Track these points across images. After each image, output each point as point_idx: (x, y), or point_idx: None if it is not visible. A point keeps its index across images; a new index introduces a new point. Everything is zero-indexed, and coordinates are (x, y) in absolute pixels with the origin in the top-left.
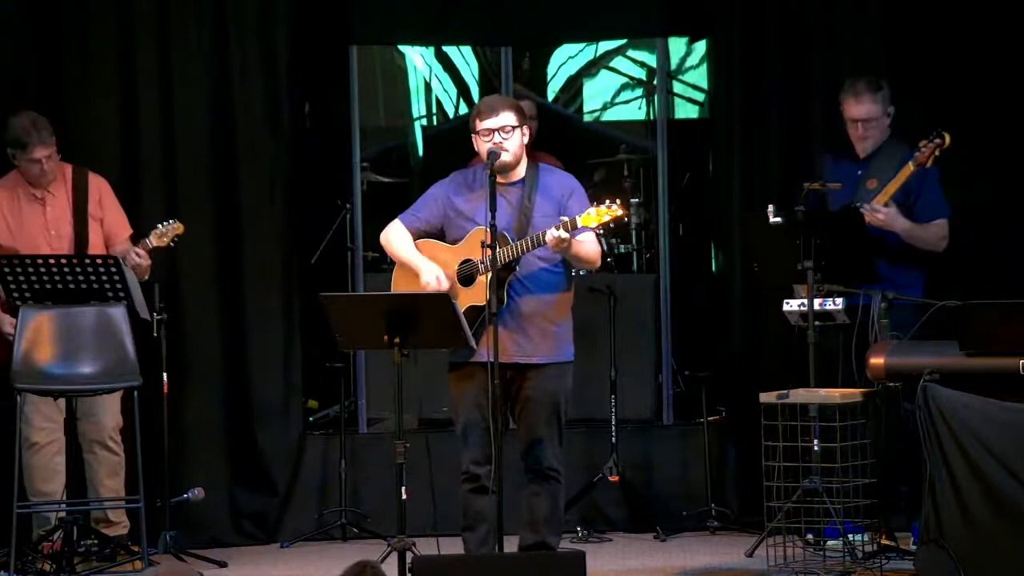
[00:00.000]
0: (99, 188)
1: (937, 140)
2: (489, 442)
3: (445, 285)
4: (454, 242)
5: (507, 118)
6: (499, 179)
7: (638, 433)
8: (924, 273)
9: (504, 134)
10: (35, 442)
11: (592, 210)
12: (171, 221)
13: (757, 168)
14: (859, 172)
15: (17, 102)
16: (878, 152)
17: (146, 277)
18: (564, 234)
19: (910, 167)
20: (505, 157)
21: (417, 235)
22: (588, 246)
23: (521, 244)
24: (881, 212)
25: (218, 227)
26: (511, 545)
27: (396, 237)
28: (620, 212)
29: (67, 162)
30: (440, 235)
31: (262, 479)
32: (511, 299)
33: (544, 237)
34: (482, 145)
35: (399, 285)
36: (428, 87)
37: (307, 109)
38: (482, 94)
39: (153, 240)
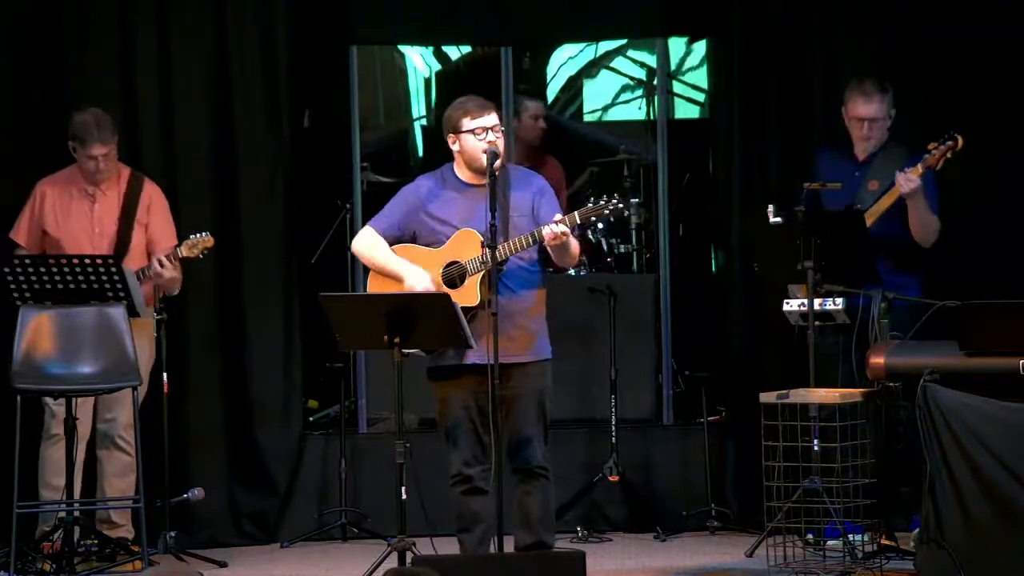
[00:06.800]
0: (151, 195)
1: (950, 143)
2: (478, 442)
3: (432, 289)
4: (429, 246)
5: (495, 117)
6: (475, 180)
7: (638, 433)
8: (920, 279)
9: (495, 133)
10: (55, 433)
11: (589, 206)
12: (203, 233)
13: (757, 168)
14: (856, 173)
15: (17, 101)
16: (878, 154)
17: (176, 291)
18: (566, 228)
19: (919, 169)
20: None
21: (391, 241)
22: (573, 241)
23: (517, 241)
24: (916, 182)
25: (218, 227)
26: (507, 544)
27: (371, 245)
28: (620, 205)
29: (127, 166)
30: (412, 240)
31: (262, 479)
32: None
33: (540, 233)
34: (470, 143)
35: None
36: (428, 87)
37: (307, 109)
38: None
39: (184, 250)
